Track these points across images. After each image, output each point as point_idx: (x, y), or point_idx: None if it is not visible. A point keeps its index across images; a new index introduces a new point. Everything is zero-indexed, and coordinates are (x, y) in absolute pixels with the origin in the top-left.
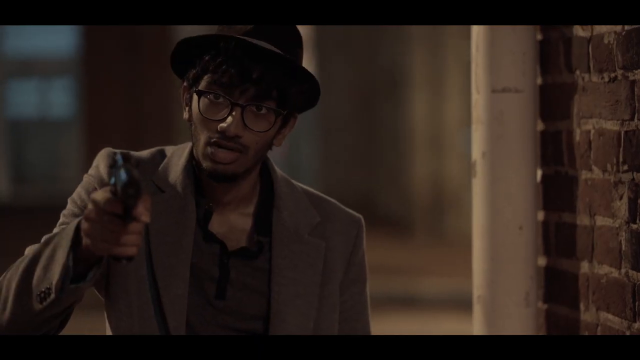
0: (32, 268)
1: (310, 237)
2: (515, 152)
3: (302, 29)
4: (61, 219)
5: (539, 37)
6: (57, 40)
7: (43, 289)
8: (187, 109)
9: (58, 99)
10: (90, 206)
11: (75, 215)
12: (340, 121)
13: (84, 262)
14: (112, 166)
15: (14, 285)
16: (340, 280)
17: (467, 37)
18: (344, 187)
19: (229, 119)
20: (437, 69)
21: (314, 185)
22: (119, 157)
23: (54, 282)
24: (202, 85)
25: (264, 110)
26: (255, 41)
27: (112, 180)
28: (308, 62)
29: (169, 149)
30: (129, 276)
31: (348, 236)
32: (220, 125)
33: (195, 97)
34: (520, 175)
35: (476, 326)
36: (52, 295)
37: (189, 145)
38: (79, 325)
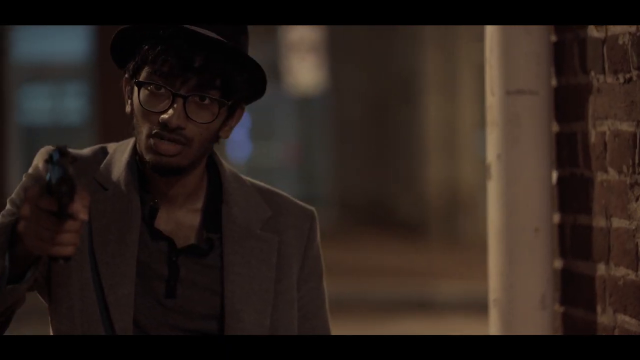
0: None
1: (263, 232)
2: (530, 154)
3: (315, 34)
4: (0, 220)
5: (553, 38)
6: (69, 45)
7: None
8: (129, 102)
9: (71, 104)
10: (25, 204)
11: (13, 215)
12: (353, 126)
13: (21, 262)
14: (49, 161)
15: None
16: (296, 275)
17: (480, 39)
18: (358, 191)
19: (171, 110)
20: (450, 72)
21: (328, 190)
22: (55, 152)
23: None
24: (142, 76)
25: (207, 101)
26: (195, 28)
27: (48, 176)
28: (320, 68)
29: (111, 146)
30: (70, 277)
31: (301, 230)
32: (162, 116)
33: (136, 89)
34: (535, 178)
35: (492, 329)
36: None
37: (132, 140)
38: (21, 331)
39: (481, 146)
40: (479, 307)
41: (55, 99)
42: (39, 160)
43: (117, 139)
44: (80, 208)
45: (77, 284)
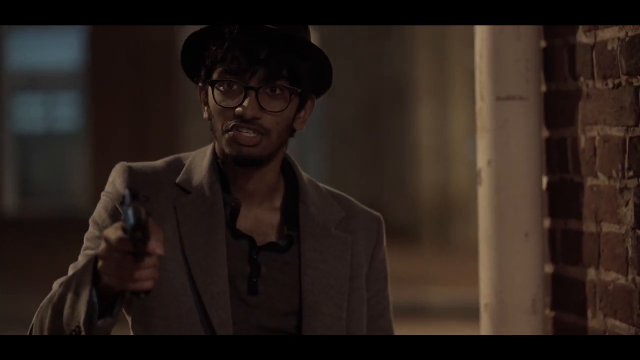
0: (61, 307)
1: (337, 231)
2: (520, 160)
3: None
4: (85, 243)
5: (543, 44)
6: (62, 54)
7: (73, 328)
8: (205, 108)
9: (64, 112)
10: (102, 244)
11: (97, 238)
12: (346, 130)
13: (107, 296)
14: (122, 203)
15: (46, 325)
16: (365, 275)
17: (472, 44)
18: (350, 195)
19: (245, 103)
20: (443, 78)
21: None
22: (127, 194)
23: (82, 321)
24: (214, 77)
25: (278, 91)
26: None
27: (123, 219)
28: None
29: (185, 155)
30: (161, 288)
31: (370, 232)
32: (237, 110)
33: (210, 91)
34: (525, 183)
35: (483, 334)
36: (83, 333)
37: (209, 146)
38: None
39: (473, 151)
40: (471, 312)
41: (48, 107)
42: (114, 178)
43: (109, 146)
44: (155, 245)
45: (171, 292)
